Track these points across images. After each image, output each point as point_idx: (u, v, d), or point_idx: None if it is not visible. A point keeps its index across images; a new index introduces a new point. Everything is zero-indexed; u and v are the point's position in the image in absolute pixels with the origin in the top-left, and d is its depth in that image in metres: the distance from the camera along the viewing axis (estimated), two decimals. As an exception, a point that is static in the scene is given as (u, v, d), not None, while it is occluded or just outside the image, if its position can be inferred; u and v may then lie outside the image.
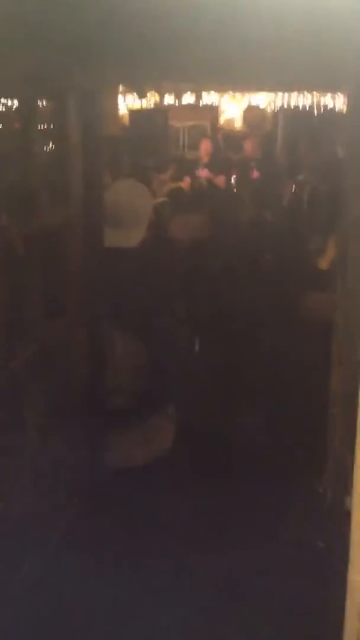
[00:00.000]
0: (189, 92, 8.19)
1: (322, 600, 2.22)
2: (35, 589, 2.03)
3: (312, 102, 10.07)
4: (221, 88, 9.62)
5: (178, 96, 7.80)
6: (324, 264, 3.81)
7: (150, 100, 8.66)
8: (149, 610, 2.64)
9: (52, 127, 2.24)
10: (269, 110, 10.43)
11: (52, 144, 2.28)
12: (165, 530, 2.88)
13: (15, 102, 2.24)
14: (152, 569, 2.68)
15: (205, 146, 9.06)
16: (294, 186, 8.44)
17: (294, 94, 9.98)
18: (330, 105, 10.01)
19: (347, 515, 1.05)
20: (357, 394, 1.12)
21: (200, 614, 2.98)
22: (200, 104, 8.93)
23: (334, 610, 1.31)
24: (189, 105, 9.27)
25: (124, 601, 2.57)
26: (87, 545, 2.38)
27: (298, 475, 3.54)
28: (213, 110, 10.58)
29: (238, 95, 10.41)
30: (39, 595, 2.04)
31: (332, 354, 1.91)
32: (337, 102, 9.87)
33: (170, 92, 7.63)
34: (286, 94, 10.08)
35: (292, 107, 10.29)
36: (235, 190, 7.83)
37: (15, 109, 2.11)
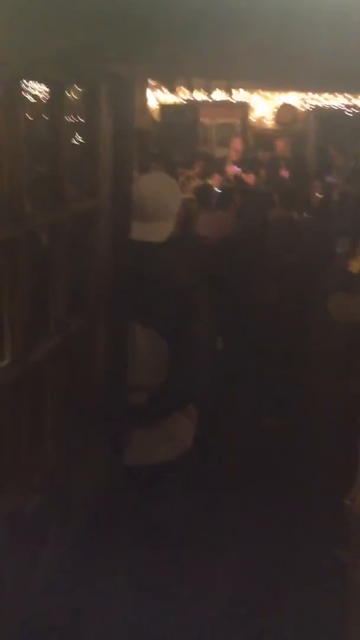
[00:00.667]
0: (217, 90, 8.16)
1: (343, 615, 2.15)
2: (49, 587, 1.99)
3: (346, 103, 9.98)
4: (253, 85, 9.57)
5: (209, 93, 7.77)
6: (355, 266, 3.74)
7: (181, 95, 8.64)
8: (167, 612, 2.60)
9: (82, 116, 2.19)
10: (301, 109, 10.36)
11: (82, 134, 2.23)
12: (186, 530, 2.84)
13: (44, 88, 2.20)
14: (171, 568, 2.64)
15: (236, 144, 9.01)
16: (322, 187, 8.38)
17: (327, 95, 9.91)
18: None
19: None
20: None
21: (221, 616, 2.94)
22: (232, 101, 8.90)
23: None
24: (220, 102, 9.24)
25: (144, 602, 2.53)
26: (105, 544, 2.34)
27: (324, 483, 3.49)
28: (244, 108, 10.52)
29: (269, 93, 10.34)
30: (52, 594, 2.00)
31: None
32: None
33: (200, 88, 7.60)
34: (319, 95, 10.01)
35: (325, 108, 10.22)
36: (264, 188, 7.77)
37: (45, 97, 2.07)
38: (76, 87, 2.43)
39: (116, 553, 2.47)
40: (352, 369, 2.90)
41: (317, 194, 8.48)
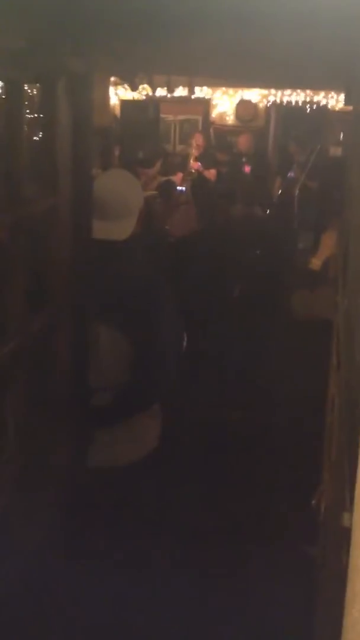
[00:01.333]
0: (181, 87, 8.14)
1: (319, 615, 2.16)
2: (11, 595, 1.96)
3: (305, 99, 10.04)
4: (214, 82, 9.57)
5: (171, 89, 7.73)
6: (316, 264, 3.76)
7: (142, 92, 8.59)
8: (136, 614, 2.59)
9: (40, 113, 2.16)
10: (261, 105, 10.39)
11: (40, 131, 2.20)
12: (151, 531, 2.82)
13: (1, 84, 2.16)
14: (137, 568, 2.63)
15: (197, 140, 9.00)
16: (283, 182, 8.44)
17: (287, 91, 9.96)
18: (323, 103, 9.98)
19: (346, 533, 0.97)
20: (359, 401, 1.05)
21: (194, 613, 2.94)
22: (193, 98, 8.88)
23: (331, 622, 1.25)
24: (181, 98, 9.22)
25: (105, 607, 2.51)
26: (69, 548, 2.32)
27: (290, 483, 3.51)
28: (205, 104, 10.51)
29: (231, 90, 10.35)
30: (14, 603, 1.97)
31: (331, 358, 1.84)
32: (331, 100, 9.85)
33: (162, 84, 7.56)
34: (279, 91, 10.05)
35: (285, 103, 10.27)
36: (226, 184, 7.78)
37: (2, 92, 2.03)
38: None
39: (81, 555, 2.45)
40: (315, 366, 2.92)
41: (278, 190, 8.53)
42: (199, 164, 8.63)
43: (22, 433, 2.07)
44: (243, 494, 3.75)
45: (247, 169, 8.87)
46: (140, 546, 2.71)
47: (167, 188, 7.30)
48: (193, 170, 8.28)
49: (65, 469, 2.36)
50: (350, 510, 0.96)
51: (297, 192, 8.14)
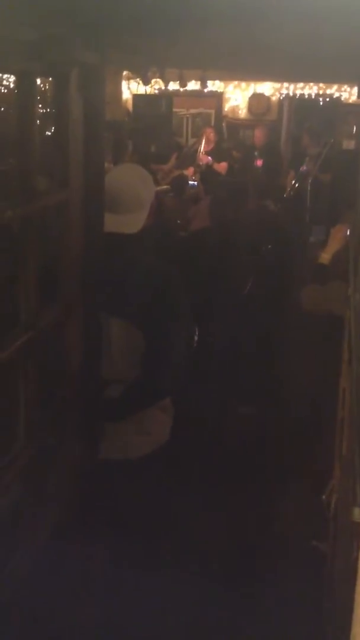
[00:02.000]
0: (193, 81, 8.12)
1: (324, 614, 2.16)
2: (23, 586, 1.97)
3: (318, 92, 9.98)
4: (227, 76, 9.54)
5: (183, 83, 7.72)
6: (325, 258, 3.74)
7: (155, 86, 8.58)
8: (142, 611, 2.59)
9: (52, 107, 2.16)
10: (273, 98, 10.35)
11: (52, 125, 2.20)
12: (161, 525, 2.83)
13: (13, 78, 2.16)
14: (147, 567, 2.63)
15: (209, 134, 8.98)
16: (295, 175, 8.40)
17: (300, 84, 9.91)
18: (336, 95, 9.93)
19: (356, 527, 0.97)
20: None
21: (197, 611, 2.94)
22: (206, 91, 8.84)
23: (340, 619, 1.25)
24: (193, 92, 9.19)
25: (110, 603, 2.52)
26: (79, 540, 2.33)
27: (301, 478, 3.50)
28: (218, 98, 10.49)
29: (244, 84, 10.32)
30: (26, 593, 1.98)
31: (342, 352, 1.83)
32: (344, 93, 9.80)
33: (175, 78, 7.55)
34: (292, 84, 10.01)
35: (298, 96, 10.22)
36: (237, 178, 7.76)
37: (14, 87, 2.03)
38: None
39: (92, 547, 2.46)
40: (326, 360, 2.90)
41: (291, 183, 8.49)
42: (209, 157, 8.61)
43: (33, 425, 2.08)
44: (253, 488, 3.75)
45: (259, 162, 8.84)
46: (149, 540, 2.72)
47: (180, 182, 7.30)
48: (201, 164, 8.26)
49: (77, 461, 2.37)
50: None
51: (309, 185, 8.11)
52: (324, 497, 2.09)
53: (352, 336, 1.77)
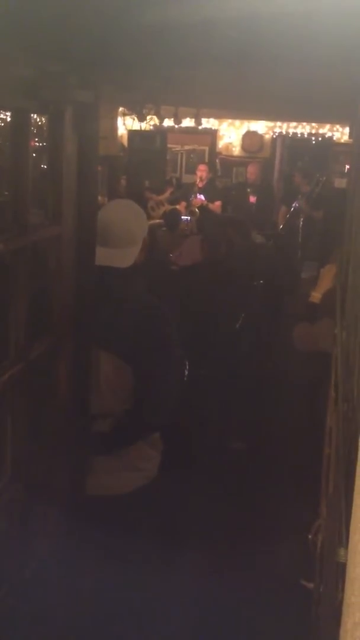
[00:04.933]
0: (188, 118, 8.25)
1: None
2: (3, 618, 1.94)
3: (310, 131, 10.15)
4: (221, 114, 9.69)
5: (178, 120, 7.84)
6: (316, 297, 3.77)
7: (150, 122, 8.70)
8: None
9: (47, 141, 2.18)
10: (267, 137, 10.51)
11: (47, 158, 2.23)
12: (150, 560, 2.80)
13: (9, 114, 2.19)
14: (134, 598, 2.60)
15: (202, 171, 9.07)
16: (288, 212, 8.49)
17: (293, 123, 10.07)
18: (329, 135, 10.09)
19: (341, 568, 0.96)
20: (357, 434, 1.04)
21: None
22: (200, 128, 8.98)
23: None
24: (188, 129, 9.33)
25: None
26: (66, 573, 2.30)
27: (287, 516, 3.47)
28: (212, 135, 10.64)
29: (238, 122, 10.48)
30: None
31: (329, 390, 1.83)
32: (336, 132, 9.96)
33: (170, 115, 7.67)
34: (285, 123, 10.17)
35: (290, 135, 10.38)
36: (231, 214, 7.83)
37: (9, 122, 2.06)
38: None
39: (78, 582, 2.43)
40: (314, 398, 2.91)
41: (283, 220, 8.58)
42: (202, 198, 8.65)
43: (21, 459, 2.06)
44: (241, 524, 3.72)
45: (252, 199, 8.93)
46: (137, 574, 2.68)
47: (173, 217, 7.36)
48: (195, 209, 8.24)
49: (64, 496, 2.35)
50: (346, 545, 0.95)
51: (301, 222, 8.20)
52: (310, 536, 2.07)
53: (338, 374, 1.78)
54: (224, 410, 4.20)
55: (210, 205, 8.60)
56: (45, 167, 3.16)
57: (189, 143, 11.31)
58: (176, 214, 7.61)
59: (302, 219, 8.23)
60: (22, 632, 2.05)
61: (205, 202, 8.55)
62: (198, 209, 8.08)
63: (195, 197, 8.61)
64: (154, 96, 6.12)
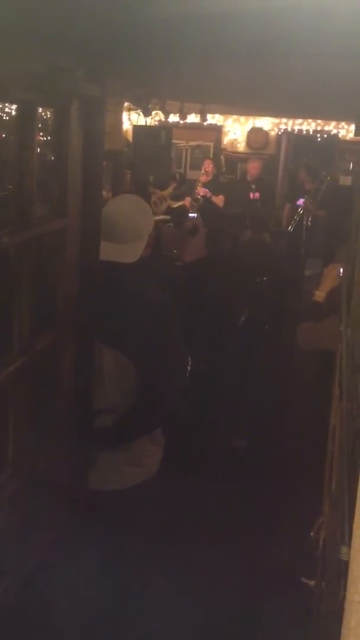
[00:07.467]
0: (193, 113, 8.23)
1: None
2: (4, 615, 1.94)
3: (316, 128, 10.12)
4: (227, 110, 9.67)
5: (183, 116, 7.82)
6: (320, 295, 3.76)
7: (155, 117, 8.68)
8: None
9: (53, 135, 2.18)
10: (272, 133, 10.48)
11: (52, 154, 2.22)
12: (150, 556, 2.80)
13: (14, 107, 2.18)
14: (134, 596, 2.60)
15: (207, 166, 9.07)
16: (292, 210, 8.48)
17: (299, 120, 10.05)
18: (334, 132, 10.06)
19: (343, 566, 0.96)
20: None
21: None
22: (205, 124, 8.95)
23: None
24: (193, 124, 9.30)
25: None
26: (67, 570, 2.30)
27: (288, 514, 3.47)
28: (217, 131, 10.62)
29: (243, 118, 10.45)
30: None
31: (332, 388, 1.83)
32: (341, 130, 9.93)
33: (175, 111, 7.65)
34: (290, 120, 10.15)
35: (296, 132, 10.35)
36: (235, 210, 7.83)
37: (15, 115, 2.05)
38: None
39: (78, 577, 2.43)
40: (318, 396, 2.90)
41: (287, 217, 8.57)
42: (207, 189, 8.69)
43: (23, 453, 2.06)
44: (243, 522, 3.72)
45: (253, 195, 8.92)
46: (138, 571, 2.69)
47: (180, 213, 7.36)
48: (199, 197, 8.32)
49: (66, 490, 2.35)
50: (349, 544, 0.95)
51: (305, 220, 8.18)
52: (312, 534, 2.07)
53: (342, 372, 1.77)
54: (225, 406, 4.19)
55: (214, 198, 8.61)
56: (50, 160, 3.16)
57: (194, 139, 11.28)
58: (184, 210, 7.61)
59: (306, 217, 8.21)
60: (23, 625, 2.06)
61: (209, 195, 8.56)
62: (201, 197, 8.12)
63: (201, 188, 8.66)
64: (159, 91, 6.10)
